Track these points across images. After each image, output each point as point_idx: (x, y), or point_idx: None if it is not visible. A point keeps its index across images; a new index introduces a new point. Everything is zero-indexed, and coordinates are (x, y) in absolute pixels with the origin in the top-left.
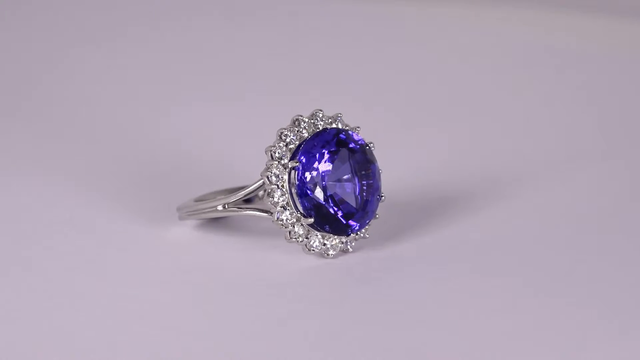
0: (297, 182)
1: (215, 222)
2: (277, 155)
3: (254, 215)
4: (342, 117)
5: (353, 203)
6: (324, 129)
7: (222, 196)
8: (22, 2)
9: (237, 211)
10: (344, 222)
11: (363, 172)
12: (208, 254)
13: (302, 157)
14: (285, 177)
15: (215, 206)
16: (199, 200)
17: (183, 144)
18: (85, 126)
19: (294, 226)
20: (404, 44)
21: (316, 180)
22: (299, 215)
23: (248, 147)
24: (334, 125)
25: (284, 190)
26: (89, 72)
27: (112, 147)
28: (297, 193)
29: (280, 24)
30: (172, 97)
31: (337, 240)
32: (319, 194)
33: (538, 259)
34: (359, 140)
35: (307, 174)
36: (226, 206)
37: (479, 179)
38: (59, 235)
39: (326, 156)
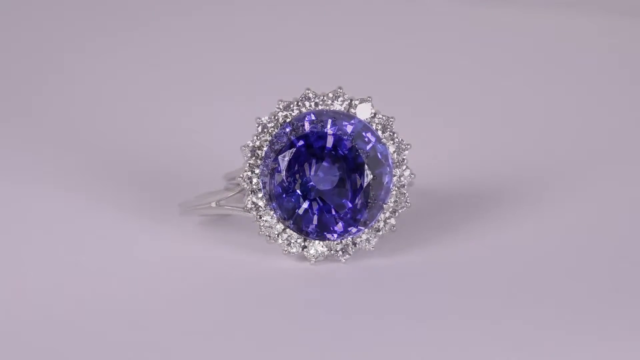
0: (278, 184)
1: (223, 220)
2: (261, 154)
3: (242, 216)
4: (335, 120)
5: (338, 207)
6: (312, 132)
7: (221, 193)
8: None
9: (227, 209)
10: (326, 226)
11: (351, 177)
12: (194, 251)
13: (286, 159)
14: (267, 178)
15: (209, 202)
16: (199, 196)
17: (190, 140)
18: (84, 125)
19: (273, 228)
20: (412, 35)
21: (299, 183)
22: (279, 217)
23: None
24: (324, 129)
25: (265, 191)
26: (86, 71)
27: (113, 145)
28: (277, 195)
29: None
30: (174, 95)
31: (320, 244)
32: (301, 196)
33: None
34: (349, 145)
35: (290, 176)
36: (220, 203)
37: (486, 181)
38: (57, 233)
39: (312, 159)
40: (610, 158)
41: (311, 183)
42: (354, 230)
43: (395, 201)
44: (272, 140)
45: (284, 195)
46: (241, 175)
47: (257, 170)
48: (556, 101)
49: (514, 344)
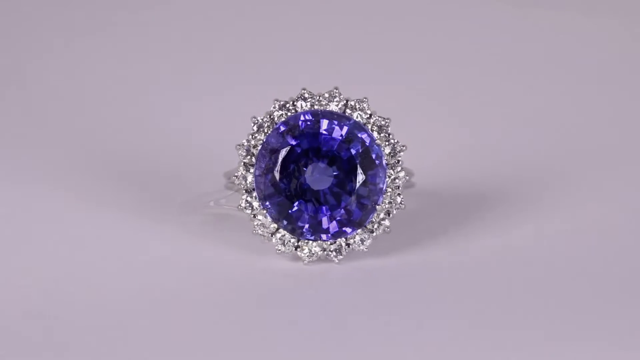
0: (272, 184)
1: (223, 220)
2: (256, 153)
3: (239, 215)
4: (331, 121)
5: (332, 208)
6: (307, 132)
7: (219, 192)
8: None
9: (225, 208)
10: (320, 226)
11: (345, 178)
12: (194, 251)
13: (281, 159)
14: (262, 178)
15: (208, 202)
16: (199, 195)
17: (190, 140)
18: (84, 125)
19: (267, 227)
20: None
21: (293, 183)
22: (272, 217)
23: None
24: (320, 130)
25: (260, 190)
26: (86, 72)
27: (113, 145)
28: (271, 194)
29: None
30: (174, 94)
31: (314, 244)
32: (295, 196)
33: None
34: (344, 146)
35: (284, 177)
36: (218, 202)
37: (486, 181)
38: (56, 233)
39: (307, 159)
40: (611, 158)
41: (306, 183)
42: (348, 230)
43: (390, 202)
44: (267, 139)
45: (278, 195)
46: (236, 174)
47: (252, 169)
48: (556, 101)
49: (514, 344)
